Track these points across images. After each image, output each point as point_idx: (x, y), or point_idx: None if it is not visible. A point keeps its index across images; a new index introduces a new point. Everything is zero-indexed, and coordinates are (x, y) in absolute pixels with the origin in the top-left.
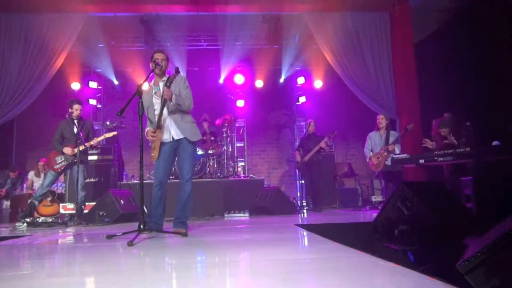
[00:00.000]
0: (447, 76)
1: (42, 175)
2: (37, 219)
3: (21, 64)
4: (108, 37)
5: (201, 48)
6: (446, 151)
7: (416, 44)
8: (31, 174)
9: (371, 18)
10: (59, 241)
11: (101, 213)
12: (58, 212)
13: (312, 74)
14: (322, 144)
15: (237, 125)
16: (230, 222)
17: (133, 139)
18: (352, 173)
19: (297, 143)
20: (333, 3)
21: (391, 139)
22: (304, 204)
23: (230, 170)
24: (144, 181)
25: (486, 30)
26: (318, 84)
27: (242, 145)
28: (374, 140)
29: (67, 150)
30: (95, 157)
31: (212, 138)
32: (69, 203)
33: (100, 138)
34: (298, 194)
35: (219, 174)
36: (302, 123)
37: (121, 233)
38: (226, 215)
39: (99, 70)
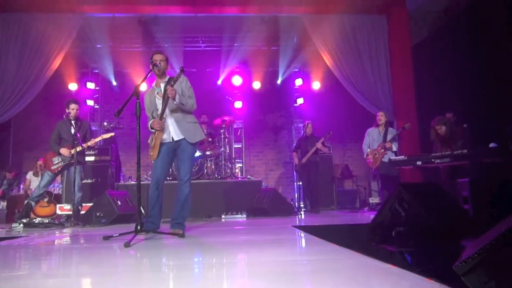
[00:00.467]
0: (444, 78)
1: (40, 174)
2: (34, 220)
3: (18, 65)
4: (106, 38)
5: (199, 49)
6: (443, 153)
7: (413, 46)
8: (29, 174)
9: (369, 20)
10: (56, 242)
11: (98, 214)
12: (55, 213)
13: (310, 76)
14: (318, 145)
15: (235, 126)
16: (227, 224)
17: (131, 140)
18: (350, 175)
19: (294, 145)
20: (331, 5)
21: (389, 136)
22: (302, 205)
23: (228, 171)
24: (141, 182)
25: (483, 32)
26: (316, 85)
27: (240, 146)
28: (373, 136)
29: (64, 150)
30: (92, 158)
31: (210, 139)
32: (66, 204)
33: (97, 139)
34: (296, 196)
35: (216, 175)
36: (299, 125)
37: (118, 234)
38: (223, 216)
39: (96, 71)
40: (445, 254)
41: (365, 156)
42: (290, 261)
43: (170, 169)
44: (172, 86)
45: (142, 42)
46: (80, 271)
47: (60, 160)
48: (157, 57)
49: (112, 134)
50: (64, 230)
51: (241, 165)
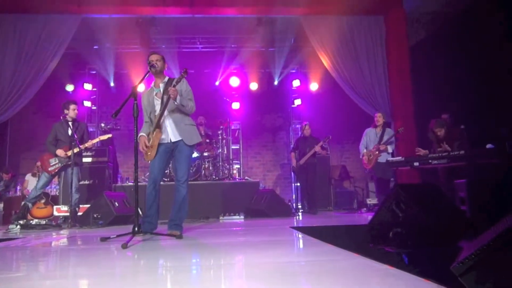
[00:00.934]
0: (441, 79)
1: (38, 176)
2: (31, 222)
3: (15, 66)
4: (103, 39)
5: (196, 51)
6: (440, 154)
7: (410, 47)
8: (28, 176)
9: (366, 21)
10: (53, 244)
11: (95, 215)
12: (52, 214)
13: (308, 77)
14: (317, 148)
15: (232, 127)
16: (225, 225)
17: (128, 141)
18: (347, 176)
19: (292, 146)
20: (328, 6)
21: (385, 138)
22: (299, 206)
23: (226, 172)
24: (139, 183)
25: (479, 34)
26: (313, 86)
27: (238, 147)
28: (370, 137)
29: (60, 152)
30: (89, 159)
31: (208, 140)
32: (63, 205)
33: (95, 141)
34: (293, 197)
35: (214, 177)
36: (297, 126)
37: (115, 236)
38: (221, 217)
39: (94, 72)
40: (443, 255)
41: (361, 157)
42: (288, 262)
43: (168, 170)
44: (174, 86)
45: (139, 43)
46: (77, 273)
47: (57, 161)
48: (153, 58)
49: (110, 135)
50: (61, 232)
51: (238, 166)
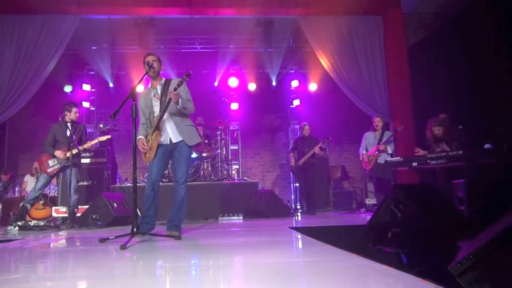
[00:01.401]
0: (439, 80)
1: (36, 177)
2: (29, 223)
3: (13, 66)
4: (102, 40)
5: (195, 51)
6: (439, 154)
7: (408, 48)
8: (27, 177)
9: (365, 22)
10: (51, 245)
11: (94, 216)
12: (51, 215)
13: (306, 77)
14: (316, 149)
15: (231, 128)
16: (224, 225)
17: (127, 142)
18: (346, 176)
19: (291, 146)
20: (327, 7)
21: (384, 139)
22: (298, 207)
23: (224, 173)
24: (138, 184)
25: (478, 34)
26: (312, 87)
27: (236, 148)
28: (369, 140)
29: (59, 153)
30: (88, 160)
31: (206, 141)
32: (61, 207)
33: (93, 142)
34: (292, 197)
35: (213, 177)
36: (296, 126)
37: (114, 237)
38: (220, 218)
39: (92, 73)
40: (441, 255)
41: (360, 158)
42: (287, 262)
43: (166, 171)
44: (175, 89)
45: (138, 43)
46: (76, 274)
47: (56, 162)
48: (150, 58)
49: (108, 136)
50: (60, 233)
51: (237, 166)
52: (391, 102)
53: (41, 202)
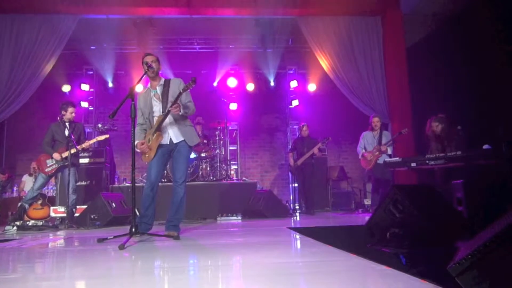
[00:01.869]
0: (438, 80)
1: (35, 177)
2: (27, 223)
3: (11, 66)
4: (100, 40)
5: (194, 51)
6: (437, 155)
7: (407, 48)
8: (25, 177)
9: (364, 22)
10: (50, 245)
11: (92, 216)
12: (49, 215)
13: (305, 78)
14: (315, 150)
15: (230, 128)
16: (222, 225)
17: (125, 142)
18: (345, 176)
19: (289, 147)
20: (325, 7)
21: (384, 140)
22: (297, 207)
23: (223, 173)
24: (136, 184)
25: (476, 35)
26: (311, 87)
27: (235, 148)
28: (367, 140)
29: (56, 155)
30: (86, 160)
31: (205, 141)
32: (60, 206)
33: (92, 141)
34: (291, 197)
35: (212, 177)
36: (295, 127)
37: (112, 237)
38: (218, 218)
39: (91, 73)
40: (440, 255)
41: (360, 157)
42: (285, 262)
43: (165, 171)
44: (179, 95)
45: (137, 43)
46: (74, 274)
47: (54, 162)
48: (149, 59)
49: (107, 136)
50: (58, 233)
51: (236, 167)
52: (389, 102)
53: (39, 202)
